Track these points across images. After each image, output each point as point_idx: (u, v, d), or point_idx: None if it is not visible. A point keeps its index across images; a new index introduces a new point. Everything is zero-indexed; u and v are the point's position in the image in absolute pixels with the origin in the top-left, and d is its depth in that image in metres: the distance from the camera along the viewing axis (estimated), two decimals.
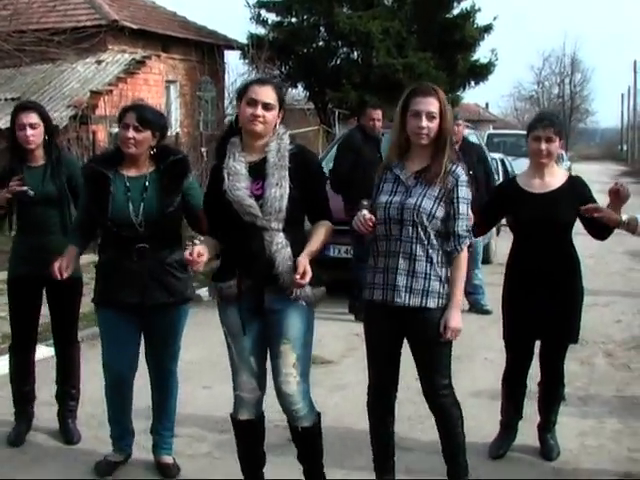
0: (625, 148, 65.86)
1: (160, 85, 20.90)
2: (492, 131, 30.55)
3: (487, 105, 61.76)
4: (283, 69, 25.19)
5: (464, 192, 4.16)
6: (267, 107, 4.12)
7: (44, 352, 6.53)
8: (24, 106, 5.25)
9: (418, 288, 4.14)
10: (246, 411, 4.34)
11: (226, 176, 4.16)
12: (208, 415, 5.74)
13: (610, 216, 4.69)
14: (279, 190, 4.08)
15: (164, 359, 4.83)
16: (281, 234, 4.11)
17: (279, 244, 4.10)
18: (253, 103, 4.11)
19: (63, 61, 18.82)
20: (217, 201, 4.18)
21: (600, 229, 4.88)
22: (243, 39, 24.02)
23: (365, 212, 4.19)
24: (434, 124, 4.12)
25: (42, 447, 5.28)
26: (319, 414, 4.39)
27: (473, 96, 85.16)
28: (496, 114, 63.05)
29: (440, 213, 4.13)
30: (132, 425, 4.98)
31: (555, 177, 4.98)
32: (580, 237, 5.14)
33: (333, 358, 7.34)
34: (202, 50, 22.66)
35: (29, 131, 5.07)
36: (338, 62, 25.04)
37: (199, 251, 4.04)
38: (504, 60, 28.24)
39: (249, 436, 4.42)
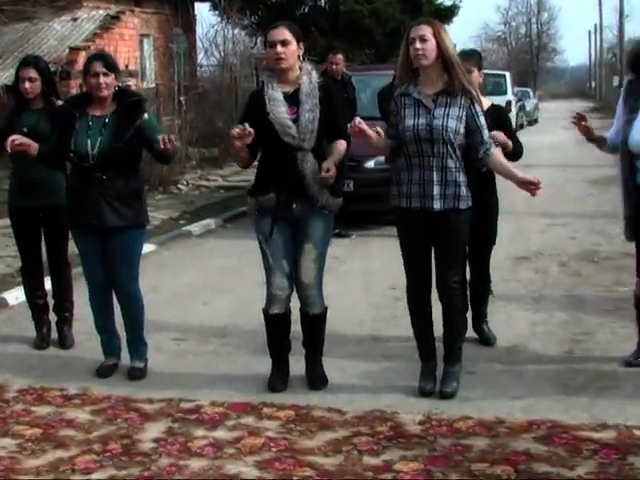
0: (593, 85, 66.56)
1: (134, 39, 21.31)
2: None
3: (455, 47, 62.00)
4: (253, 19, 25.64)
5: (479, 107, 4.90)
6: (284, 43, 4.92)
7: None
8: (25, 62, 6.05)
9: (450, 194, 4.86)
10: (277, 307, 5.14)
11: (267, 102, 4.98)
12: (210, 325, 6.56)
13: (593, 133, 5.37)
14: (312, 114, 4.92)
15: (122, 280, 5.46)
16: (311, 153, 4.96)
17: (309, 162, 4.94)
18: (272, 44, 4.93)
19: (39, 20, 19.21)
20: (256, 123, 4.89)
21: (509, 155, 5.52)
22: None
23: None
24: (429, 45, 4.77)
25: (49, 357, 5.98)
26: (326, 308, 5.25)
27: None
28: None
29: (462, 129, 4.84)
30: (117, 333, 5.64)
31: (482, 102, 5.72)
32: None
33: None
34: (174, 3, 23.14)
35: (27, 84, 5.90)
36: (306, 10, 25.57)
37: (248, 128, 4.79)
38: (470, 1, 28.81)
39: (278, 327, 5.22)
